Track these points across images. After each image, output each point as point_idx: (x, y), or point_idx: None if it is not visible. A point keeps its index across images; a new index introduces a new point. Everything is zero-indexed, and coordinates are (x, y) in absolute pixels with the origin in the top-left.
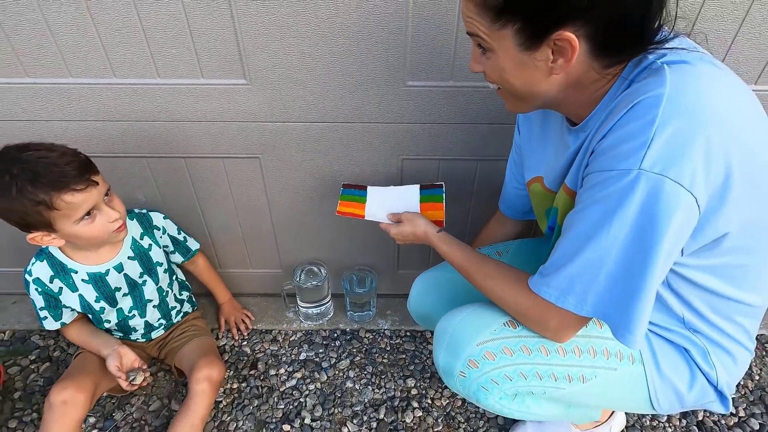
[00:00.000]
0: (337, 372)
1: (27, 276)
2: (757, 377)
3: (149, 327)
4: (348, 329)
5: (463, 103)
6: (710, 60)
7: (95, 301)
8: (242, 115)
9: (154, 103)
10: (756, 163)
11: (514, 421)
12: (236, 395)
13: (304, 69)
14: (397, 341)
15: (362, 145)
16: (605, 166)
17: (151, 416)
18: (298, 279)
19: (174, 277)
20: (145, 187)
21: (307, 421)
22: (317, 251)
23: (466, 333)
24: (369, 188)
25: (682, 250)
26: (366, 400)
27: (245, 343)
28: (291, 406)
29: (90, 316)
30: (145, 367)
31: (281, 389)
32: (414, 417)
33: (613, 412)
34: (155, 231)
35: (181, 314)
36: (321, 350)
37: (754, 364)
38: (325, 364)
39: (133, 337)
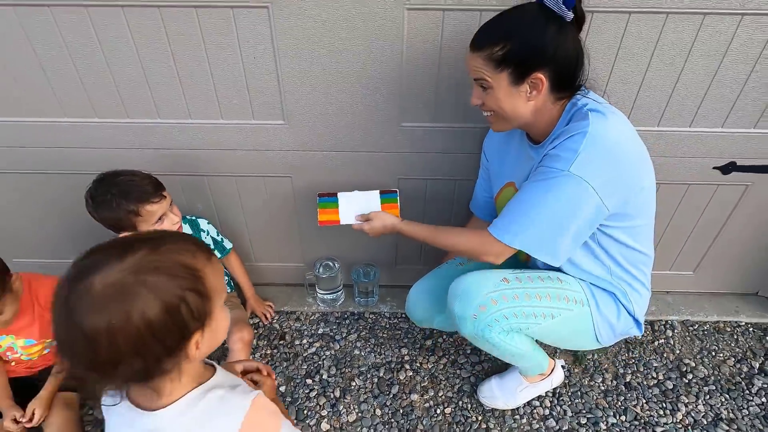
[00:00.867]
0: (347, 343)
1: None
2: (677, 350)
3: None
4: (356, 311)
5: (442, 138)
6: (612, 110)
7: None
8: (279, 145)
9: (216, 137)
10: (638, 177)
11: (484, 379)
12: (269, 359)
13: (324, 113)
14: (394, 321)
15: (367, 168)
16: (547, 164)
17: None
18: (317, 271)
19: None
20: (203, 199)
21: (325, 377)
22: (333, 249)
23: (475, 288)
24: (339, 194)
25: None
26: (369, 363)
27: (275, 321)
28: (312, 367)
29: None
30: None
31: (304, 354)
32: (406, 375)
33: (554, 368)
34: (201, 233)
35: None
36: (334, 327)
37: (676, 341)
38: (337, 337)
39: None
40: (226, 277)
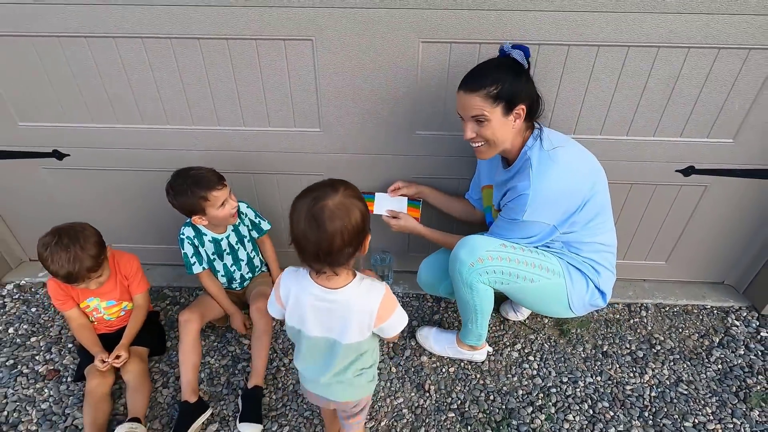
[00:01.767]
0: None
1: (182, 235)
2: (649, 327)
3: (243, 279)
4: None
5: (449, 144)
6: (560, 145)
7: (212, 253)
8: (315, 149)
9: (263, 141)
10: (580, 197)
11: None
12: None
13: (353, 123)
14: (407, 299)
15: (387, 168)
16: (507, 211)
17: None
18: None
19: (255, 248)
20: (248, 193)
21: None
22: None
23: (480, 245)
24: (377, 194)
25: (575, 224)
26: None
27: None
28: None
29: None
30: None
31: None
32: (417, 342)
33: (482, 350)
34: (241, 215)
35: (259, 271)
36: None
37: (649, 320)
38: None
39: (233, 285)
40: (259, 258)
